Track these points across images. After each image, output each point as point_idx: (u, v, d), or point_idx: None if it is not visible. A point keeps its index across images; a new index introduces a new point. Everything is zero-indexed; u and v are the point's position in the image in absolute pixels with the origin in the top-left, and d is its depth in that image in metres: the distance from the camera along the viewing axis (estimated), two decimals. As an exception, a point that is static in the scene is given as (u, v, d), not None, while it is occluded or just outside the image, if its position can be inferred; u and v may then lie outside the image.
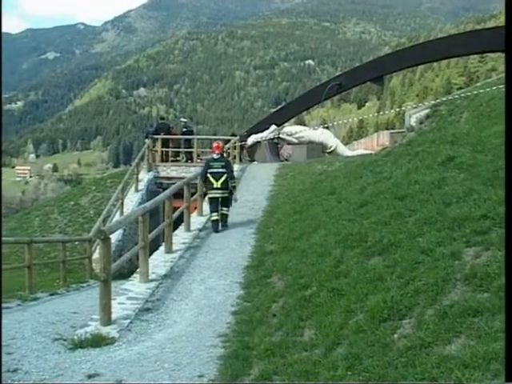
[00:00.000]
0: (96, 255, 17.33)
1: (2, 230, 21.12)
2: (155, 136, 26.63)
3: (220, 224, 14.14)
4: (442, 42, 31.67)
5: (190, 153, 27.68)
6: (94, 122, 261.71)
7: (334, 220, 10.18)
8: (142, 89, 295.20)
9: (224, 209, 14.29)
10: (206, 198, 15.12)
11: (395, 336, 5.06)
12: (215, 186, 14.18)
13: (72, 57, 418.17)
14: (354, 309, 5.96)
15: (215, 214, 14.14)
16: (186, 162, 27.71)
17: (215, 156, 14.44)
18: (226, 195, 14.27)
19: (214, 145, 14.76)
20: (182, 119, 31.67)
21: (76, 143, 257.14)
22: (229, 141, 27.84)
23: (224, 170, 14.23)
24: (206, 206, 15.79)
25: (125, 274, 14.84)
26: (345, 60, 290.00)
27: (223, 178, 14.18)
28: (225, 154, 16.63)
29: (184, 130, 28.89)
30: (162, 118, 31.58)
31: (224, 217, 14.28)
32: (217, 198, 14.23)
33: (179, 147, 28.51)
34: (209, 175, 14.28)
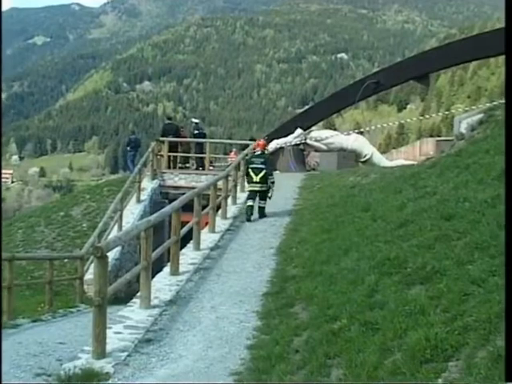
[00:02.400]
0: (89, 275, 17.43)
1: (1, 229, 21.32)
2: (161, 138, 26.79)
3: (257, 215, 17.51)
4: (499, 33, 31.57)
5: (202, 159, 27.80)
6: (89, 120, 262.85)
7: (368, 241, 10.19)
8: (146, 82, 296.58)
9: (261, 202, 17.70)
10: (246, 190, 19.18)
11: (439, 381, 5.06)
12: (254, 179, 17.69)
13: (64, 43, 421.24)
14: (391, 346, 5.97)
15: (251, 200, 17.63)
16: (197, 169, 27.84)
17: (257, 152, 18.29)
18: (263, 189, 17.63)
19: (258, 142, 19.34)
20: (193, 120, 31.86)
21: (67, 144, 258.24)
22: (246, 146, 27.81)
23: (263, 166, 17.75)
24: (218, 222, 16.49)
25: (122, 298, 14.94)
26: (384, 54, 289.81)
27: (262, 173, 17.61)
28: (266, 151, 19.50)
29: (195, 132, 29.06)
30: (170, 118, 31.86)
31: (261, 209, 17.65)
32: (255, 191, 17.69)
33: (189, 152, 28.66)
34: (250, 170, 17.88)
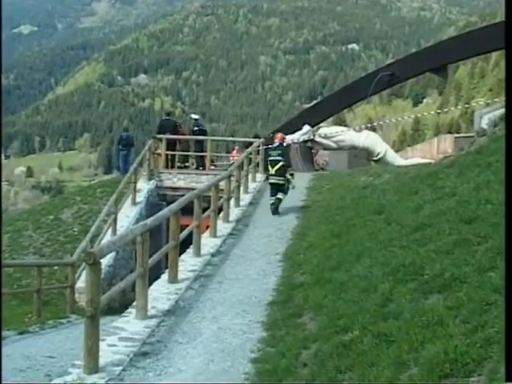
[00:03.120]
0: (80, 284, 17.46)
1: (1, 230, 21.38)
2: (159, 136, 26.81)
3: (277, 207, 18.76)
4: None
5: (202, 158, 27.82)
6: (81, 116, 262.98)
7: (382, 246, 10.20)
8: (142, 75, 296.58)
9: (279, 194, 18.87)
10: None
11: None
12: (270, 172, 19.18)
13: (53, 32, 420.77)
14: (407, 360, 5.97)
15: (272, 198, 18.98)
16: (197, 168, 27.86)
17: (275, 144, 19.71)
18: (281, 182, 18.88)
19: (278, 135, 20.23)
20: (193, 115, 31.86)
21: (57, 142, 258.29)
22: (250, 144, 27.87)
23: (280, 158, 19.01)
24: (220, 226, 16.64)
25: (116, 308, 14.96)
26: (398, 44, 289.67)
27: (278, 166, 18.88)
28: (285, 143, 20.71)
29: (195, 129, 29.07)
30: (169, 114, 31.69)
31: (277, 201, 18.86)
32: (273, 184, 19.00)
33: (188, 150, 28.68)
34: (268, 162, 19.57)
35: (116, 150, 34.13)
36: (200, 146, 28.49)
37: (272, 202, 18.95)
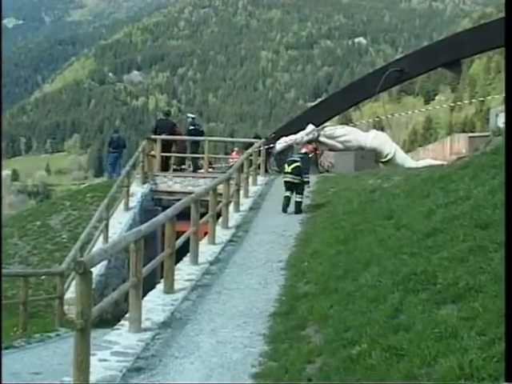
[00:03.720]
0: (70, 294, 17.45)
1: (1, 230, 21.39)
2: (154, 137, 26.81)
3: (294, 210, 19.62)
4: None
5: (198, 159, 27.85)
6: (70, 116, 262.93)
7: (392, 254, 10.21)
8: (135, 72, 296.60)
9: (297, 196, 19.86)
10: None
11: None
12: (286, 169, 20.29)
13: (40, 26, 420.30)
14: (419, 375, 5.97)
15: (288, 192, 19.91)
16: (194, 171, 27.87)
17: (302, 150, 21.47)
18: (297, 181, 19.87)
19: (308, 146, 22.12)
20: (189, 115, 31.87)
21: (44, 143, 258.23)
22: (251, 145, 27.91)
23: (298, 159, 20.32)
24: (219, 232, 16.65)
25: (108, 320, 14.99)
26: (408, 38, 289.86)
27: (294, 165, 20.03)
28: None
29: (191, 128, 29.03)
30: (167, 114, 30.78)
31: (298, 204, 19.80)
32: (288, 182, 19.97)
33: (185, 152, 28.69)
34: (286, 162, 20.91)
35: (107, 152, 34.11)
36: (196, 146, 28.50)
37: (286, 194, 19.96)
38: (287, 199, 19.86)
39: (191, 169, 28.48)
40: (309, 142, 30.66)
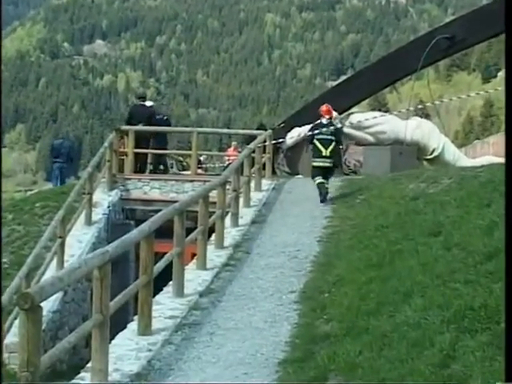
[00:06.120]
0: (11, 338, 17.42)
1: (1, 230, 21.49)
2: (125, 127, 26.71)
3: (320, 198, 21.34)
4: None
5: (163, 158, 27.89)
6: (12, 99, 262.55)
7: (440, 281, 10.21)
8: (98, 42, 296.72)
9: (326, 181, 21.68)
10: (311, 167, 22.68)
11: None
12: (324, 153, 21.82)
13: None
14: None
15: (319, 177, 21.60)
16: (163, 173, 27.90)
17: (324, 121, 22.59)
18: (331, 165, 21.89)
19: (323, 108, 23.14)
20: (147, 102, 30.19)
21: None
22: (253, 138, 27.77)
23: (333, 138, 21.99)
24: (212, 254, 16.62)
25: (63, 372, 14.96)
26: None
27: (332, 146, 21.77)
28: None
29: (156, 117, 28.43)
30: (143, 98, 30.36)
31: (326, 190, 21.52)
32: (322, 168, 21.76)
33: (165, 148, 28.69)
34: (316, 141, 22.15)
35: (50, 163, 34.17)
36: (163, 141, 28.40)
37: (319, 181, 21.64)
38: (323, 186, 21.62)
39: (174, 169, 28.48)
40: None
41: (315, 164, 22.16)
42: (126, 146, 26.63)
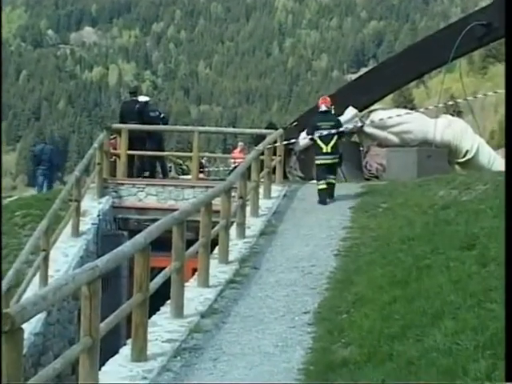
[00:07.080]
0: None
1: (1, 230, 21.53)
2: (117, 126, 26.71)
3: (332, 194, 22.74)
4: None
5: (160, 161, 27.99)
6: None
7: (474, 301, 10.17)
8: (87, 29, 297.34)
9: (331, 177, 22.83)
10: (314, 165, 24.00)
11: None
12: (324, 150, 22.83)
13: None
14: None
15: (322, 182, 22.63)
16: (162, 178, 27.94)
17: (322, 109, 23.71)
18: (336, 161, 22.97)
19: (322, 98, 24.35)
20: (141, 98, 30.15)
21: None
22: (262, 138, 27.75)
23: (334, 131, 22.73)
24: (215, 269, 16.66)
25: (48, 401, 14.90)
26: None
27: (333, 141, 22.73)
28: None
29: (152, 115, 28.41)
30: (134, 93, 30.43)
31: (331, 186, 22.79)
32: (326, 165, 22.81)
33: (162, 149, 28.70)
34: (316, 137, 23.09)
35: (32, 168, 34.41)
36: (159, 142, 28.39)
37: (322, 187, 22.69)
38: (324, 192, 22.79)
39: (173, 173, 28.54)
40: (347, 134, 30.74)
41: (317, 162, 23.38)
42: (118, 146, 26.61)
